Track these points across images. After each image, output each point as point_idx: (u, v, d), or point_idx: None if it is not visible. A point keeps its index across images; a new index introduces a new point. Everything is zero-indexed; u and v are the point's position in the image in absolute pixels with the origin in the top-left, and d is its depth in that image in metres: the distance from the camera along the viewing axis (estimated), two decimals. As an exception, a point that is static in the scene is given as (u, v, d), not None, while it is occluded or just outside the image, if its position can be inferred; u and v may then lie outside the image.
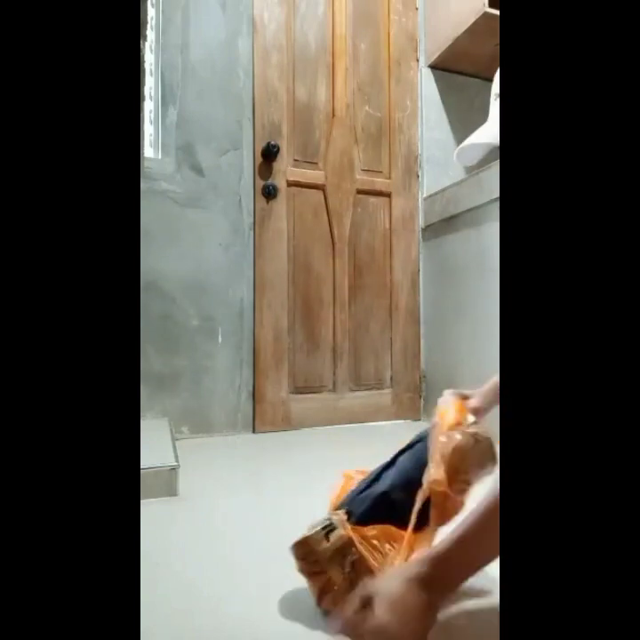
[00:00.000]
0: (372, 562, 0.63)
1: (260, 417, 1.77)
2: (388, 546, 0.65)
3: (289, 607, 0.65)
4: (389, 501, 0.67)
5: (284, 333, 1.82)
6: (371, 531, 0.65)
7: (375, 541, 0.65)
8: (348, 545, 0.63)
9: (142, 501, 1.00)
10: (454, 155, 0.77)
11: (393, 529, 0.65)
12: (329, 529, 0.65)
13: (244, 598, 0.68)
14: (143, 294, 1.60)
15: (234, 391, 1.76)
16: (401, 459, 0.72)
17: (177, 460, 1.12)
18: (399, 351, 1.99)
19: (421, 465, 0.66)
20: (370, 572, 0.62)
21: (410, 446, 0.73)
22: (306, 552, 0.64)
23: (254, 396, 1.77)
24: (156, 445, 1.25)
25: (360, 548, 0.63)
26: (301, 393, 1.84)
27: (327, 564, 0.63)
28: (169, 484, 1.08)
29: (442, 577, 0.51)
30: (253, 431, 1.76)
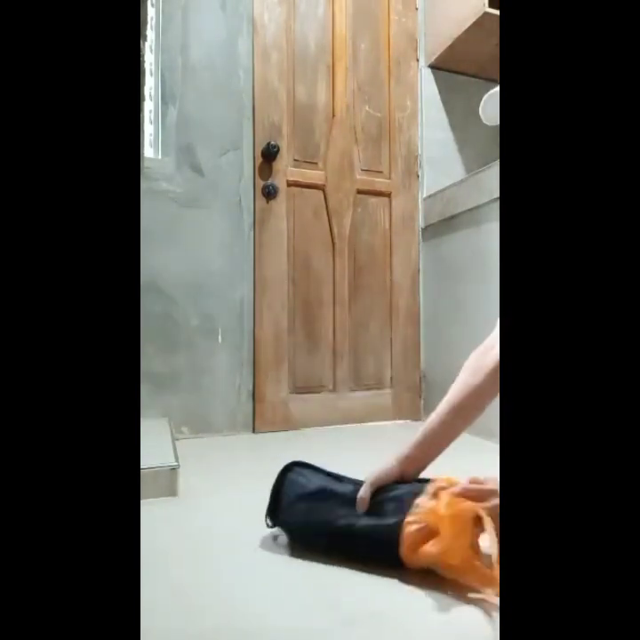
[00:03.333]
0: None
1: (260, 417, 1.77)
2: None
3: (289, 607, 0.65)
4: None
5: (283, 333, 1.82)
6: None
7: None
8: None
9: (142, 501, 1.00)
10: (480, 107, 0.75)
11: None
12: None
13: (243, 598, 0.68)
14: (143, 294, 1.60)
15: (234, 391, 1.76)
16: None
17: (177, 460, 1.12)
18: (399, 351, 1.99)
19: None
20: None
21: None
22: None
23: (254, 395, 1.77)
24: (156, 445, 1.25)
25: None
26: (301, 393, 1.84)
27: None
28: (169, 483, 1.08)
29: (407, 468, 0.78)
30: (253, 431, 1.76)
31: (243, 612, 0.65)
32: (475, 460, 1.29)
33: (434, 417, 0.80)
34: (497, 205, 1.59)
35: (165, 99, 1.69)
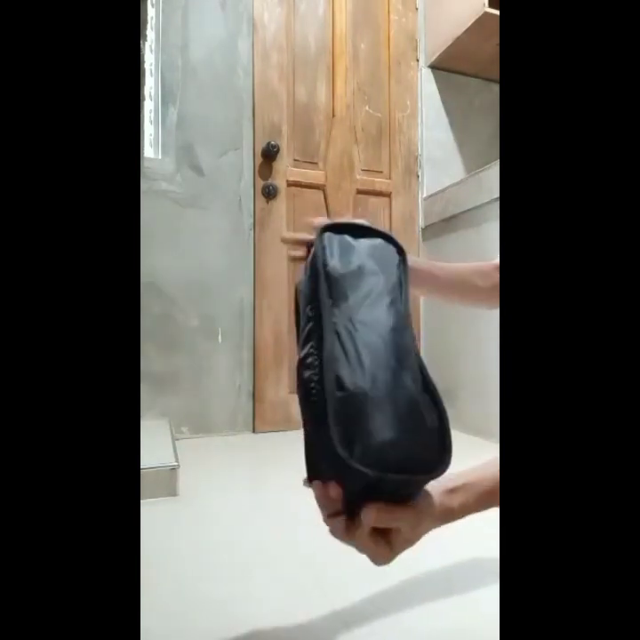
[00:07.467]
0: None
1: (260, 417, 1.77)
2: None
3: (289, 607, 0.65)
4: None
5: (283, 333, 1.82)
6: None
7: None
8: None
9: (142, 501, 1.00)
10: None
11: None
12: None
13: (244, 598, 0.68)
14: (143, 294, 1.60)
15: (234, 391, 1.76)
16: None
17: (177, 460, 1.12)
18: (399, 351, 1.99)
19: None
20: None
21: None
22: None
23: (254, 395, 1.77)
24: (156, 445, 1.25)
25: None
26: (301, 393, 1.84)
27: None
28: (169, 484, 1.08)
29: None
30: (253, 431, 1.76)
31: (242, 612, 0.65)
32: (475, 460, 1.28)
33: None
34: (497, 205, 1.59)
35: (165, 99, 1.69)
